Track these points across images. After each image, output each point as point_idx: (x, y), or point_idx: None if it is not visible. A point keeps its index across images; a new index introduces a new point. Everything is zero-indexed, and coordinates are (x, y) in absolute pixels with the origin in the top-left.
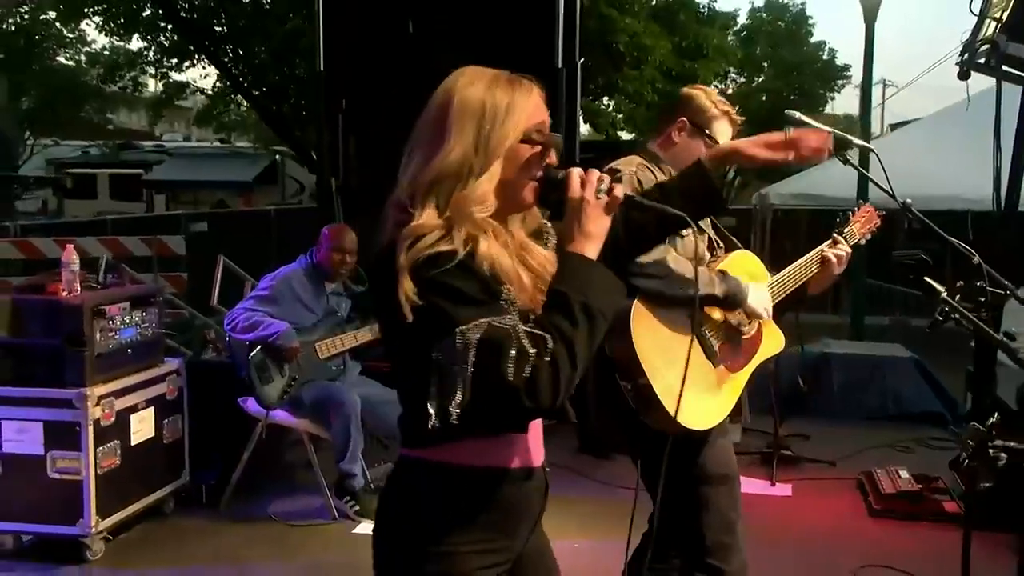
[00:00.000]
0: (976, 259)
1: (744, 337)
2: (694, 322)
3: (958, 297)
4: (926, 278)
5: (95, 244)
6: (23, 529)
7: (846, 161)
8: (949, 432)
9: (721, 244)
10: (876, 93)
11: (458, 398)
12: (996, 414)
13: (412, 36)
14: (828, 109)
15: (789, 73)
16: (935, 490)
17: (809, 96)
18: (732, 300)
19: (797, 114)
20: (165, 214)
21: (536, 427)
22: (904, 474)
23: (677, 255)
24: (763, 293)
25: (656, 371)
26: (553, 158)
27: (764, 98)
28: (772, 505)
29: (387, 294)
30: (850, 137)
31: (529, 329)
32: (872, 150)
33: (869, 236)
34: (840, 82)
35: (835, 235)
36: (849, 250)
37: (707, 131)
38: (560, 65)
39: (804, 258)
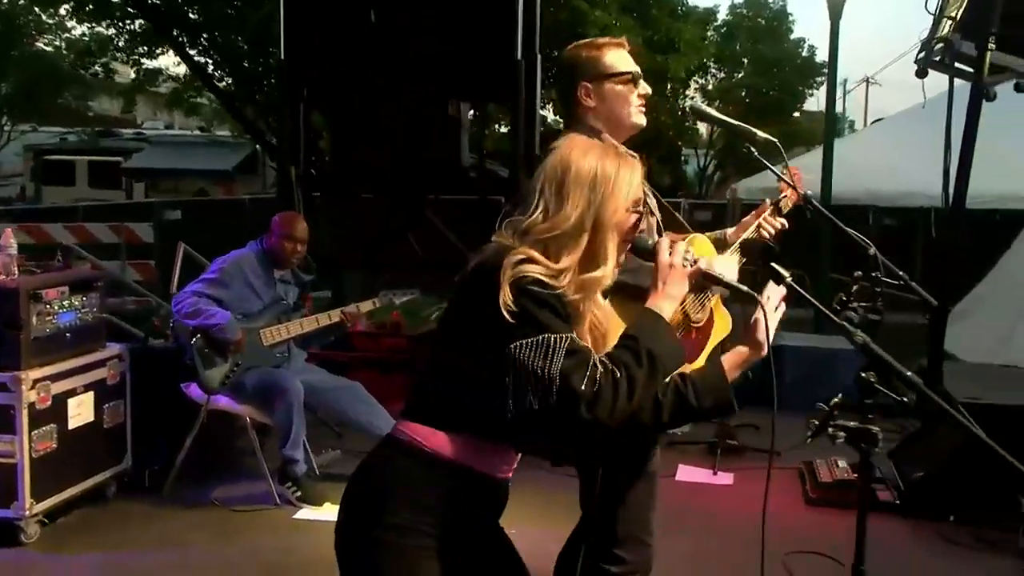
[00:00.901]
0: (872, 250)
1: (697, 326)
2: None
3: (856, 288)
4: (772, 263)
5: (60, 230)
6: None
7: (750, 152)
8: (897, 424)
9: (663, 230)
10: (860, 91)
11: (530, 393)
12: (840, 395)
13: (374, 25)
14: (809, 105)
15: (769, 69)
16: (871, 479)
17: (788, 92)
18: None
19: (702, 106)
20: (138, 202)
21: None
22: (842, 463)
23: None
24: (730, 264)
25: None
26: (643, 225)
27: (744, 94)
28: (712, 493)
29: (478, 294)
30: (754, 130)
31: (601, 357)
32: (776, 143)
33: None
34: (819, 79)
35: (771, 202)
36: (784, 224)
37: (607, 73)
38: (519, 56)
39: (746, 234)
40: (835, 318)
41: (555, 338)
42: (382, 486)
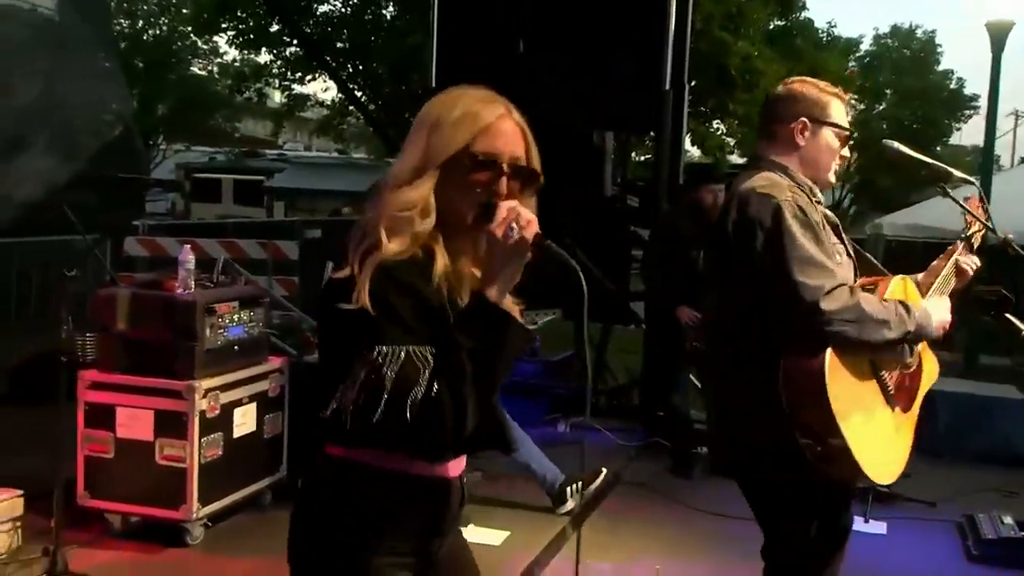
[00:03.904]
0: None
1: (909, 372)
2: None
3: None
4: (1007, 315)
5: (214, 245)
6: (131, 511)
7: (945, 193)
8: None
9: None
10: (1008, 125)
11: (370, 409)
12: None
13: (522, 55)
14: (955, 140)
15: (912, 101)
16: None
17: (933, 125)
18: (922, 332)
19: (896, 144)
20: (282, 220)
21: None
22: (1008, 520)
23: (868, 296)
24: (942, 307)
25: (851, 429)
26: (502, 187)
27: (884, 126)
28: (864, 543)
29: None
30: (951, 169)
31: (433, 368)
32: (974, 183)
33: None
34: (967, 112)
35: (963, 239)
36: (978, 262)
37: (831, 121)
38: (668, 87)
39: (942, 275)
40: None
41: (389, 354)
42: (323, 505)
